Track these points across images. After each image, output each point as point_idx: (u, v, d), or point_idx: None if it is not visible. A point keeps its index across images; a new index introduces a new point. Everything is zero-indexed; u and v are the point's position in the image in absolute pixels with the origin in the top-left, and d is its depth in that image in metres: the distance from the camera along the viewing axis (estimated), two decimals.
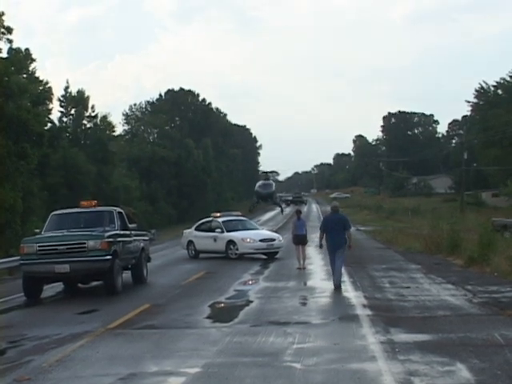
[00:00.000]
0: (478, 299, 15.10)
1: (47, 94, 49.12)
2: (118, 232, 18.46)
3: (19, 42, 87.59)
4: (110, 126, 63.01)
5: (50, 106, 50.68)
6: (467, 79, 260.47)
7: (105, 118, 61.71)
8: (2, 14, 36.42)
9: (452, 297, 15.64)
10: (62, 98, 58.45)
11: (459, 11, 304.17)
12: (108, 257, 17.11)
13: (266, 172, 78.76)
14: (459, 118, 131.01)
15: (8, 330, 13.14)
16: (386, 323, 12.14)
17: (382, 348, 10.07)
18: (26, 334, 12.43)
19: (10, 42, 39.03)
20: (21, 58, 44.57)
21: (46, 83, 49.65)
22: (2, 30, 36.67)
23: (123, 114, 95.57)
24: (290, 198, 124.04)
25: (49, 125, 50.23)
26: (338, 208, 18.93)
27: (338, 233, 17.62)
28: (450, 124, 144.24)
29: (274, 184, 50.71)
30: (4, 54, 39.96)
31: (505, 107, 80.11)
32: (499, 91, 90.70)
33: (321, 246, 18.60)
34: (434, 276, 19.98)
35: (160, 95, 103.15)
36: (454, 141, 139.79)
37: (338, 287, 17.53)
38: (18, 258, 18.68)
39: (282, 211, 50.09)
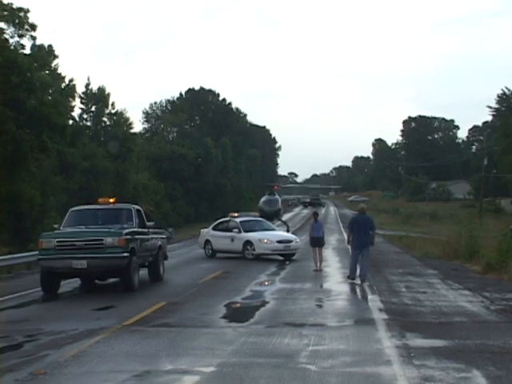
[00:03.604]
0: (496, 306, 15.03)
1: (71, 91, 49.33)
2: (135, 229, 18.51)
3: (42, 38, 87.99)
4: (128, 123, 62.92)
5: (73, 103, 51.04)
6: (489, 85, 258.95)
7: (121, 114, 61.71)
8: (28, 11, 36.66)
9: (469, 303, 15.56)
10: (82, 95, 58.69)
11: (482, 16, 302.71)
12: (125, 254, 17.16)
13: (269, 185, 75.44)
14: (480, 123, 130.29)
15: (25, 324, 13.22)
16: (401, 328, 12.09)
17: (397, 352, 10.03)
18: (43, 329, 12.49)
19: (34, 38, 39.33)
20: (44, 55, 44.79)
21: (72, 80, 49.90)
22: (27, 26, 36.89)
23: (143, 112, 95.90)
24: (308, 200, 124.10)
25: (71, 122, 50.45)
26: (365, 210, 20.28)
27: (364, 233, 19.17)
28: (470, 130, 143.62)
29: (279, 200, 46.44)
30: (27, 50, 40.26)
31: None
32: None
33: (349, 243, 20.06)
34: (451, 282, 19.88)
35: (180, 94, 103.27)
36: (474, 147, 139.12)
37: (363, 281, 18.94)
38: (37, 252, 18.75)
39: (288, 229, 41.27)
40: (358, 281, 19.17)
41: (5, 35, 36.05)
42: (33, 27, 37.30)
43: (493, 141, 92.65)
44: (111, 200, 20.07)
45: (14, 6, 36.07)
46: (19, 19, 36.30)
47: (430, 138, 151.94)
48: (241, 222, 29.68)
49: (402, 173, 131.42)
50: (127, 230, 17.86)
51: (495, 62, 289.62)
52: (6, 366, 9.55)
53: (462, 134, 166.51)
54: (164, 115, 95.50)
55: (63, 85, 48.86)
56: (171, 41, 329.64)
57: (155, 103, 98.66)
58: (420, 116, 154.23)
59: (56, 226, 19.45)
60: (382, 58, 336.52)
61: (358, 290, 18.16)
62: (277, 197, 45.89)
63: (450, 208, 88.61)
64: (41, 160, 36.76)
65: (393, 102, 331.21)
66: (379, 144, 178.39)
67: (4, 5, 35.64)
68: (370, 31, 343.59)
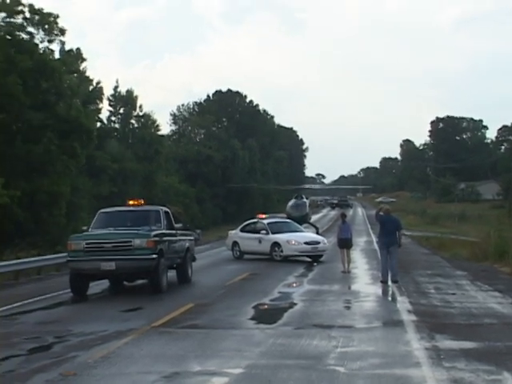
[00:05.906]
0: None
1: (98, 93, 49.72)
2: (164, 231, 18.57)
3: (71, 41, 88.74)
4: (155, 125, 62.99)
5: (100, 105, 51.36)
6: None
7: (149, 116, 61.87)
8: (57, 16, 36.99)
9: (499, 305, 15.42)
10: (111, 98, 59.06)
11: (510, 14, 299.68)
12: (154, 256, 17.23)
13: (298, 188, 73.89)
14: (509, 123, 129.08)
15: (54, 325, 13.34)
16: (431, 329, 12.00)
17: (426, 354, 9.96)
18: (72, 330, 12.58)
19: (63, 43, 39.78)
20: (73, 61, 45.09)
21: (98, 83, 50.27)
22: (56, 32, 37.21)
23: (171, 115, 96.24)
24: (336, 201, 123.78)
25: (98, 124, 50.75)
26: (390, 210, 20.81)
27: (391, 233, 19.44)
28: (499, 130, 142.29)
29: (307, 203, 44.93)
30: (56, 55, 40.66)
31: None
32: None
33: (378, 243, 20.97)
34: (480, 283, 19.71)
35: (208, 96, 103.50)
36: (503, 147, 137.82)
37: (396, 282, 19.05)
38: (66, 254, 18.89)
39: (317, 231, 39.77)
40: (389, 283, 19.10)
41: (35, 40, 36.43)
42: (62, 32, 37.64)
43: None
44: (141, 202, 20.16)
45: (45, 11, 36.43)
46: (49, 24, 36.63)
47: (458, 138, 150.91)
48: (268, 223, 29.68)
49: (430, 174, 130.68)
50: (155, 232, 17.93)
51: None
52: (37, 367, 9.63)
53: (491, 134, 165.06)
54: (191, 117, 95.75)
55: (91, 87, 49.22)
56: (198, 43, 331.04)
57: (183, 105, 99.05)
58: (448, 116, 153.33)
59: (85, 227, 19.57)
60: (410, 58, 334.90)
61: (386, 292, 18.07)
62: (304, 200, 44.52)
63: (478, 209, 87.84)
64: (70, 164, 37.00)
65: (420, 103, 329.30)
66: (407, 145, 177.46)
67: (35, 9, 35.98)
68: (396, 31, 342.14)
